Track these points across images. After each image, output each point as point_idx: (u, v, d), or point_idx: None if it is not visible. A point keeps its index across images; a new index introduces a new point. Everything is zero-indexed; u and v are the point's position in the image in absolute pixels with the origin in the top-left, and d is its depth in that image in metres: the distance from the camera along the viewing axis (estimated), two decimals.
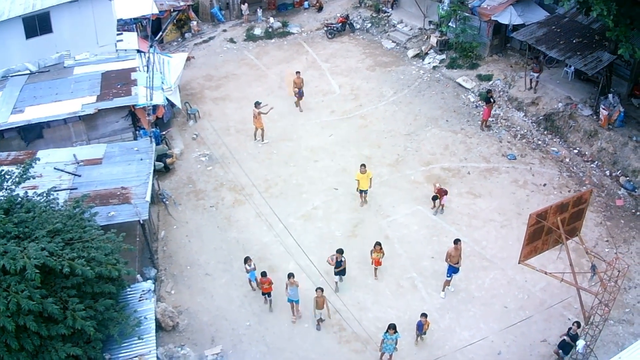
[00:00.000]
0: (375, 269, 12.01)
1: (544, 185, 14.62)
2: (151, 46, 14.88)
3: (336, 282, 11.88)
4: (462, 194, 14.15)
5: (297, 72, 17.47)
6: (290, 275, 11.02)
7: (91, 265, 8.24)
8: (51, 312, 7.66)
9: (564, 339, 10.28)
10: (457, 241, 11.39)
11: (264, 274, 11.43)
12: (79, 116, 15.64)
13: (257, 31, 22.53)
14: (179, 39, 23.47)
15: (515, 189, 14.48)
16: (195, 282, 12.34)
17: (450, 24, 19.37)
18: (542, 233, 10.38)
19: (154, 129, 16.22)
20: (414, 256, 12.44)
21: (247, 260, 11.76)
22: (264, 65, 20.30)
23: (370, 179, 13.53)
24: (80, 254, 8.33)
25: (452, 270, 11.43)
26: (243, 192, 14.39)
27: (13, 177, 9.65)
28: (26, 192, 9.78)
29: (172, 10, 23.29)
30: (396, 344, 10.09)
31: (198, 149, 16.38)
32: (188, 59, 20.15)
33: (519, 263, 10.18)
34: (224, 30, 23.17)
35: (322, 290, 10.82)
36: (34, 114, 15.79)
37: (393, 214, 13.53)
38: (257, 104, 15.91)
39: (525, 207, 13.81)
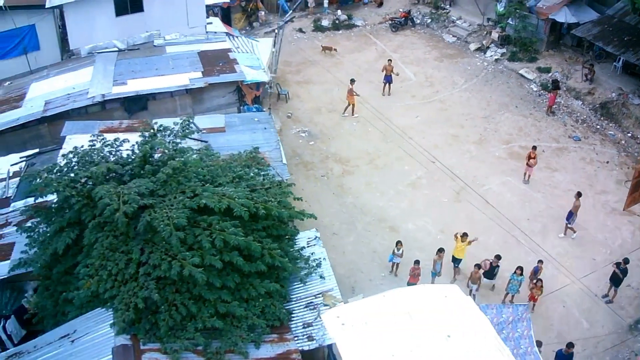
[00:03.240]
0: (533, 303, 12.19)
1: (607, 162, 16.85)
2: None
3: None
4: (542, 168, 16.24)
5: (389, 60, 19.36)
6: (441, 250, 12.29)
7: (278, 209, 9.67)
8: (254, 249, 8.63)
9: (614, 271, 12.28)
10: (579, 194, 13.72)
11: (416, 262, 12.15)
12: (186, 90, 16.80)
13: (325, 22, 24.25)
14: (247, 28, 25.02)
15: (584, 165, 16.66)
16: (324, 240, 13.95)
17: (509, 21, 21.50)
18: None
19: (256, 105, 17.82)
20: (512, 218, 14.45)
21: (398, 243, 12.78)
22: (339, 53, 22.05)
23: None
24: (265, 199, 9.66)
25: (570, 216, 13.71)
26: (349, 164, 16.17)
27: (175, 132, 10.60)
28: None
29: None
30: (519, 286, 12.02)
31: (295, 126, 18.04)
32: (330, 49, 21.82)
33: (623, 210, 12.26)
34: (291, 21, 24.80)
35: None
36: (137, 86, 16.60)
37: (487, 184, 15.55)
38: (352, 81, 17.74)
39: (595, 180, 16.02)
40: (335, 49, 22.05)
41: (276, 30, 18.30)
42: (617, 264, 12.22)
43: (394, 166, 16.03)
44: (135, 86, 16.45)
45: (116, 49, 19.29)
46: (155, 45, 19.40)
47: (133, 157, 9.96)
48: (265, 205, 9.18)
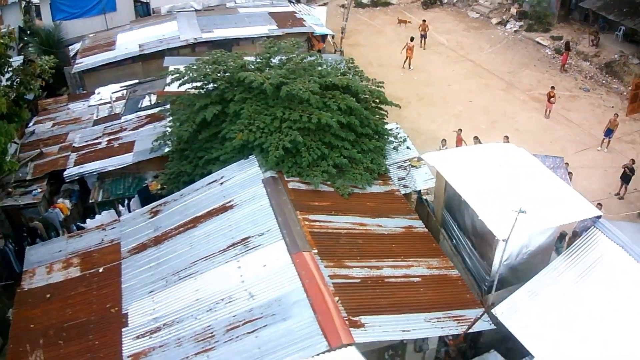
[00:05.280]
0: None
1: (612, 107, 20.32)
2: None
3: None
4: (558, 109, 19.69)
5: (424, 20, 23.16)
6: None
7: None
8: (365, 115, 11.74)
9: (625, 170, 15.46)
10: (616, 115, 17.23)
11: (459, 130, 16.51)
12: (266, 37, 19.51)
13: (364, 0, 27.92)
14: (294, 2, 28.52)
15: (593, 108, 20.16)
16: None
17: None
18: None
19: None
20: (537, 141, 17.80)
21: (443, 141, 16.28)
22: (378, 25, 25.65)
23: None
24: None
25: (609, 132, 17.12)
26: (402, 102, 19.34)
27: (290, 44, 13.55)
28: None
29: None
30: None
31: None
32: (405, 22, 25.30)
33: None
34: None
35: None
36: (223, 33, 20.03)
37: (516, 117, 19.06)
38: (412, 39, 21.32)
39: (602, 118, 19.30)
40: (409, 22, 25.70)
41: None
42: (626, 165, 15.59)
43: (438, 103, 19.51)
44: (222, 33, 19.91)
45: (193, 9, 22.73)
46: (227, 7, 22.92)
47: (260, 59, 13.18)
48: (369, 89, 12.50)
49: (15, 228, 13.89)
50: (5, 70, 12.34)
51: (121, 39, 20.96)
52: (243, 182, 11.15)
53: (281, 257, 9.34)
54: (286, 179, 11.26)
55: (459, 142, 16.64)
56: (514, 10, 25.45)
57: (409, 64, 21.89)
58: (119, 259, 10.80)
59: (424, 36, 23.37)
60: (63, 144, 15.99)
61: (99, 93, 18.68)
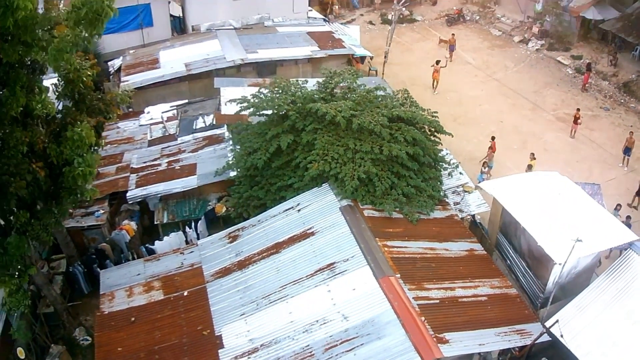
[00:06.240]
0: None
1: (631, 125, 21.60)
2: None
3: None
4: (582, 129, 20.92)
5: (452, 34, 24.54)
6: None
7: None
8: (427, 145, 12.85)
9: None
10: (631, 133, 18.63)
11: (493, 138, 18.11)
12: (309, 59, 21.13)
13: (391, 16, 28.83)
14: (328, 21, 29.51)
15: (614, 127, 21.44)
16: None
17: (546, 18, 26.33)
18: None
19: None
20: (565, 160, 19.01)
21: (483, 164, 17.48)
22: (406, 42, 26.69)
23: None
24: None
25: (628, 150, 18.45)
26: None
27: (349, 73, 14.67)
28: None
29: None
30: None
31: None
32: (446, 41, 25.94)
33: None
34: (361, 15, 29.46)
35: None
36: (268, 54, 20.84)
37: (543, 137, 20.27)
38: (437, 62, 22.29)
39: (622, 137, 20.50)
40: (446, 41, 25.97)
41: (392, 13, 23.08)
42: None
43: (471, 123, 20.64)
44: (266, 54, 20.73)
45: (232, 27, 23.37)
46: (266, 26, 23.54)
47: (323, 89, 14.22)
48: (428, 119, 13.57)
49: (79, 249, 14.33)
50: (90, 102, 13.04)
51: (164, 56, 21.56)
52: (321, 210, 12.24)
53: (368, 281, 10.49)
54: (361, 206, 12.39)
55: (493, 148, 18.12)
56: (535, 29, 26.63)
57: (435, 87, 22.79)
58: (203, 282, 11.65)
59: (452, 49, 24.55)
60: (120, 164, 16.54)
61: (148, 112, 19.29)
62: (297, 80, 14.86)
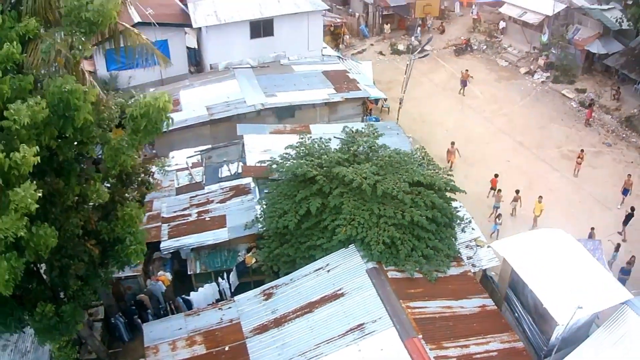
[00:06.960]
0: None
1: (632, 162, 22.84)
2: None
3: None
4: (585, 166, 22.14)
5: (466, 70, 25.64)
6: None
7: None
8: (444, 208, 14.01)
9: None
10: (629, 175, 19.97)
11: (496, 175, 19.99)
12: (326, 102, 22.11)
13: (400, 47, 29.99)
14: (334, 49, 30.62)
15: (615, 164, 22.69)
16: None
17: (552, 50, 27.40)
18: None
19: (374, 116, 23.48)
20: (569, 200, 20.31)
21: (499, 217, 18.69)
22: (415, 75, 27.66)
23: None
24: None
25: (626, 192, 19.74)
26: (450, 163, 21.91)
27: (369, 132, 16.01)
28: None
29: (331, 25, 30.28)
30: None
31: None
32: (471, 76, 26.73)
33: None
34: (372, 45, 30.55)
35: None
36: (286, 98, 21.79)
37: (549, 176, 21.56)
38: (452, 144, 21.76)
39: (623, 174, 21.64)
40: (471, 76, 26.66)
41: (407, 62, 23.43)
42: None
43: (479, 164, 21.91)
44: (285, 98, 21.75)
45: (249, 66, 24.40)
46: (282, 64, 24.59)
47: (346, 150, 15.47)
48: (446, 180, 14.72)
49: (116, 297, 15.31)
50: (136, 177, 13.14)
51: (184, 97, 22.28)
52: (349, 271, 13.55)
53: (395, 342, 11.85)
54: (385, 267, 13.72)
55: (494, 183, 19.74)
56: (541, 62, 27.71)
57: (451, 166, 21.35)
58: (243, 338, 12.79)
59: (464, 84, 25.75)
60: (151, 213, 17.07)
61: (173, 157, 19.95)
62: (320, 139, 16.14)
